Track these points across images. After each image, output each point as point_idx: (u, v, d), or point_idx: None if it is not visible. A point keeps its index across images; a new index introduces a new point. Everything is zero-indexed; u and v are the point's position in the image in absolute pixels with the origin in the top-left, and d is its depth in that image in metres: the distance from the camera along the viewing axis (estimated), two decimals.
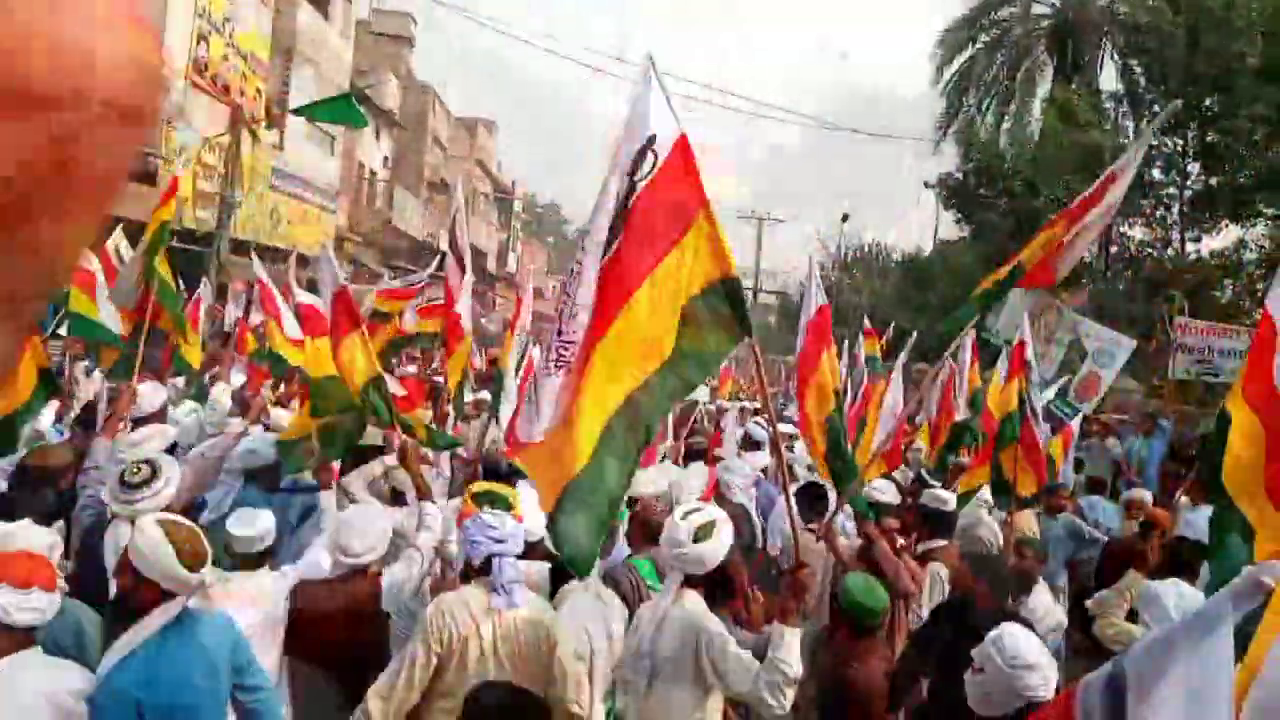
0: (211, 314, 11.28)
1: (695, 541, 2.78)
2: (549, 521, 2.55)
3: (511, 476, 4.09)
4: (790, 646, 2.59)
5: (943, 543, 4.30)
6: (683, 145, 2.48)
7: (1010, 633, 2.23)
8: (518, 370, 4.07)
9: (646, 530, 3.58)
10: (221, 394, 6.16)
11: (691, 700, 2.74)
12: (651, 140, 2.49)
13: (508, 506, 3.40)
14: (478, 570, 2.76)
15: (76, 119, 0.25)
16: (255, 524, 3.20)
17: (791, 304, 41.33)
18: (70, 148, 0.26)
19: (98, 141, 0.26)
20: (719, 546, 2.82)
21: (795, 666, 2.59)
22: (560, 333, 2.61)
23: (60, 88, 0.24)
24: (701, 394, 10.15)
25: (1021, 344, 4.98)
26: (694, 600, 2.82)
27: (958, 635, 3.20)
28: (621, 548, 3.70)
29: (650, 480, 4.17)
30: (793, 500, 2.93)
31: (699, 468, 5.72)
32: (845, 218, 28.65)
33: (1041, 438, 4.50)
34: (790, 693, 2.57)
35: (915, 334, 7.69)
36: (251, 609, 2.92)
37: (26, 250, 0.26)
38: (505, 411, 4.08)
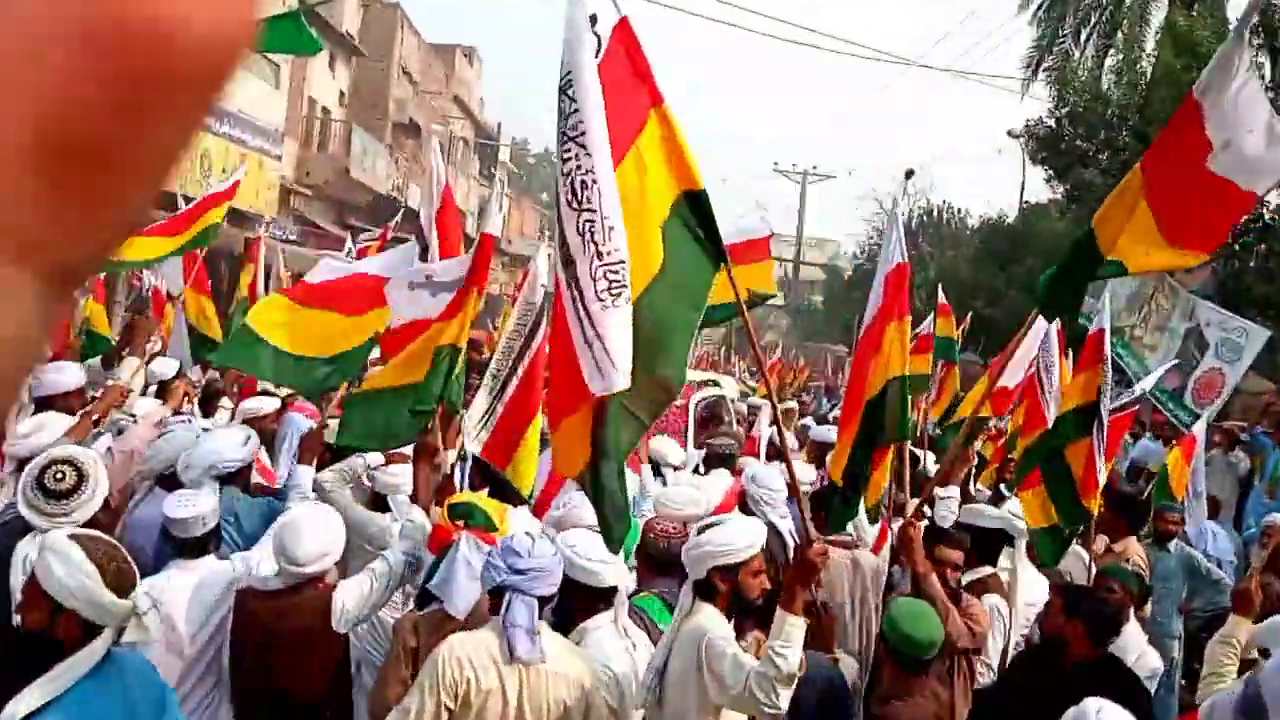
0: (128, 279, 11.37)
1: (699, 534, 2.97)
2: (591, 474, 2.76)
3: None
4: (790, 636, 2.67)
5: (991, 570, 4.28)
6: (623, 30, 2.51)
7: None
8: (519, 357, 4.09)
9: (658, 559, 3.58)
10: (128, 370, 6.19)
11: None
12: (593, 20, 2.51)
13: (487, 525, 3.40)
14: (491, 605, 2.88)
15: (169, 66, 0.28)
16: (195, 504, 3.36)
17: (840, 281, 41.36)
18: (156, 96, 0.28)
19: (179, 100, 0.29)
20: (726, 540, 2.98)
21: (792, 659, 2.66)
22: (600, 256, 2.54)
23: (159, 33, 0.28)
24: (729, 388, 10.14)
25: (1100, 333, 4.80)
26: (706, 614, 2.96)
27: (1042, 684, 3.18)
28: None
29: (689, 500, 4.14)
30: (805, 506, 3.16)
31: (720, 476, 5.70)
32: (910, 174, 28.43)
33: (1098, 453, 4.42)
34: (785, 692, 2.65)
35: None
36: (194, 603, 3.09)
37: (100, 204, 0.29)
38: (477, 406, 4.09)
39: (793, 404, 12.24)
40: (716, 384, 9.97)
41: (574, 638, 3.05)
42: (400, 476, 4.21)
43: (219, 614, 3.30)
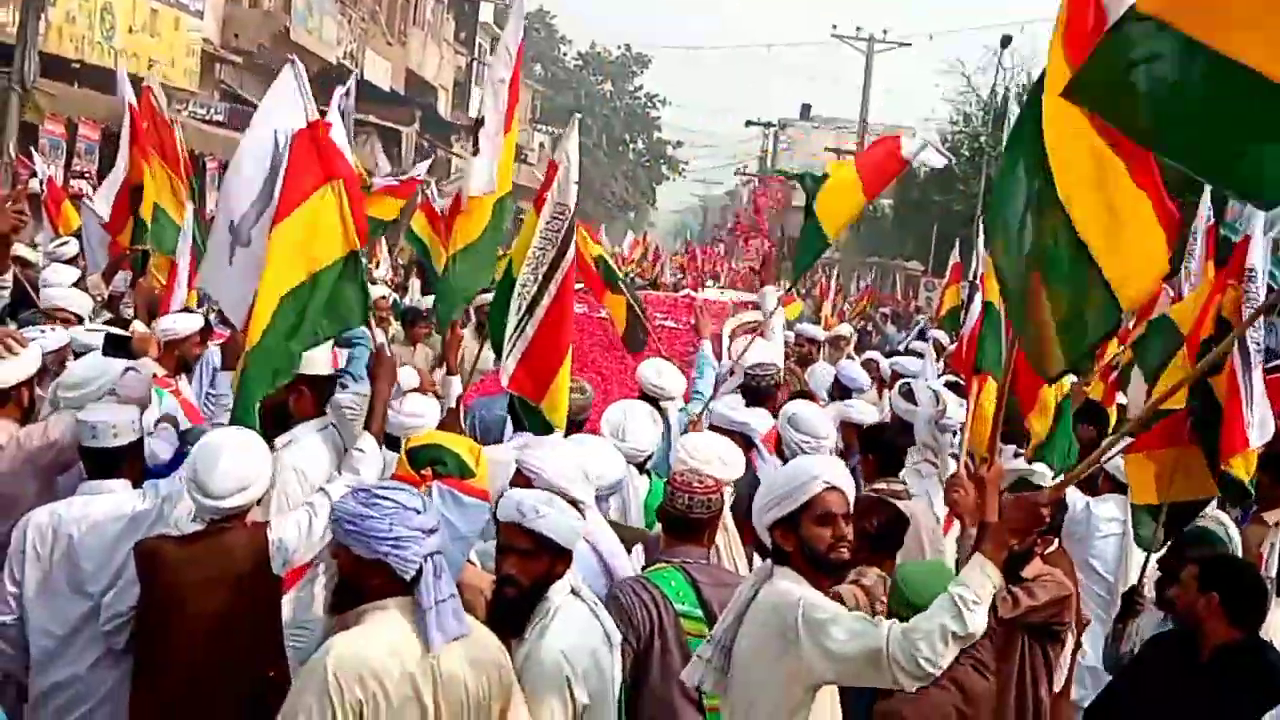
0: (12, 169, 11.37)
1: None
2: None
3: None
4: (983, 590, 2.68)
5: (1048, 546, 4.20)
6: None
7: None
8: (551, 271, 4.13)
9: (679, 519, 3.60)
10: None
11: (784, 706, 2.87)
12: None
13: (461, 471, 3.43)
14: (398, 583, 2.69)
15: None
16: (113, 411, 3.53)
17: (914, 179, 40.86)
18: None
19: None
20: (767, 487, 3.05)
21: (979, 618, 2.65)
22: None
23: None
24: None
25: (1247, 239, 4.57)
26: (787, 578, 2.96)
27: (1169, 677, 3.19)
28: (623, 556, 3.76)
29: (714, 456, 4.10)
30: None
31: (760, 416, 5.71)
32: (1007, 41, 27.77)
33: (1246, 393, 4.23)
34: (950, 653, 2.66)
35: None
36: (92, 535, 3.25)
37: None
38: (510, 336, 4.28)
39: (845, 329, 12.15)
40: (756, 306, 9.95)
41: (538, 617, 2.98)
42: (425, 416, 4.15)
43: (120, 552, 3.40)
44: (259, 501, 3.45)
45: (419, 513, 2.71)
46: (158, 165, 7.13)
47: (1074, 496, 5.03)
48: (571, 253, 4.23)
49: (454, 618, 2.68)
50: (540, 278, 4.23)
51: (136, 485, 3.67)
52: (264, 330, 3.66)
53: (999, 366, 4.32)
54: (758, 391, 6.21)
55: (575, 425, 4.72)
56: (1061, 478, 4.13)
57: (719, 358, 7.69)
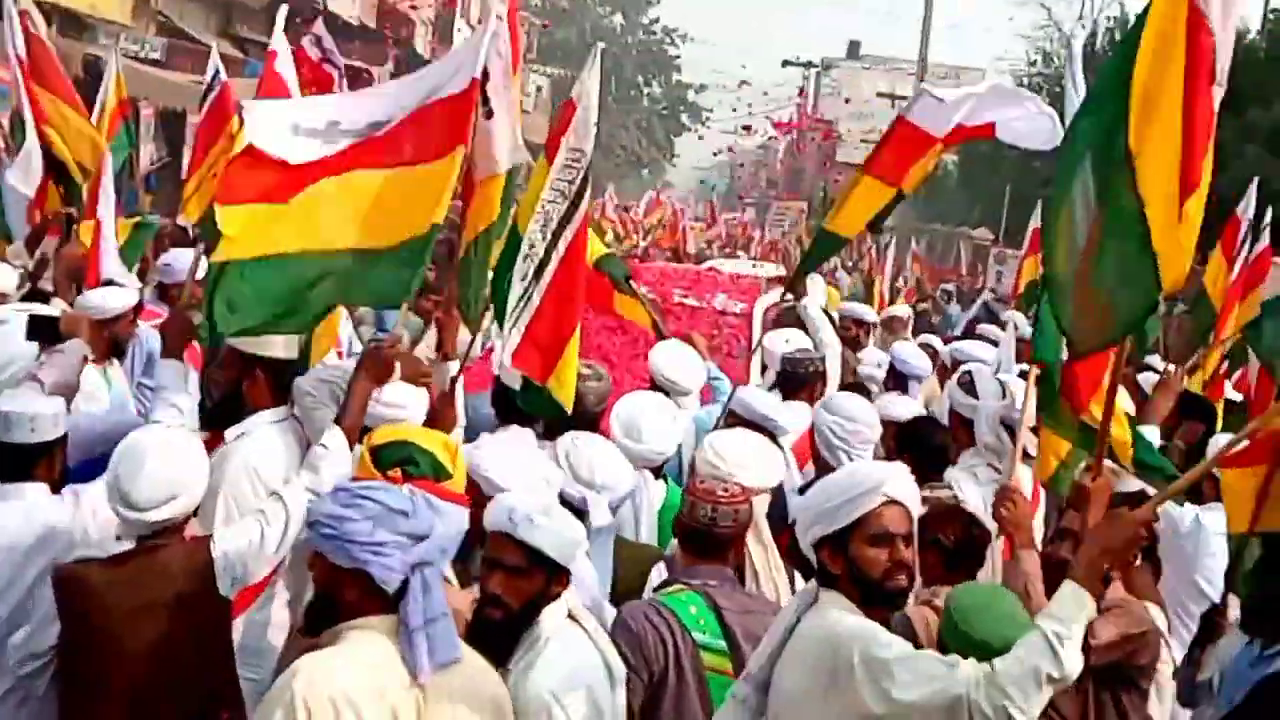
0: None
1: None
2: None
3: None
4: (1074, 621, 2.70)
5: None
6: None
7: None
8: (560, 229, 4.25)
9: (698, 534, 3.60)
10: None
11: None
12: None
13: (436, 472, 3.42)
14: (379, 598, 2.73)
15: None
16: (33, 401, 3.60)
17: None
18: None
19: None
20: (813, 495, 3.09)
21: (1073, 657, 2.66)
22: None
23: None
24: (814, 290, 10.10)
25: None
26: (836, 606, 2.94)
27: None
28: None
29: (751, 457, 4.10)
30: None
31: (799, 411, 5.72)
32: None
33: None
34: (1043, 695, 2.65)
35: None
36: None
37: None
38: (514, 304, 4.32)
39: (902, 309, 12.13)
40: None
41: (524, 648, 3.00)
42: (408, 407, 4.18)
43: (32, 570, 3.41)
44: (195, 513, 3.44)
45: (407, 516, 2.71)
46: (58, 108, 7.14)
47: (1178, 508, 5.00)
48: (584, 207, 4.26)
49: (446, 641, 2.68)
50: (549, 236, 4.22)
51: (55, 491, 3.65)
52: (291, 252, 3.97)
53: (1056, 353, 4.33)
54: (796, 380, 6.20)
55: (591, 419, 4.70)
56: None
57: (749, 345, 7.68)
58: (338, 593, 2.71)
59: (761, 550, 3.85)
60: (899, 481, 3.00)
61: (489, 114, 4.47)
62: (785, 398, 6.03)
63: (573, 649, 2.99)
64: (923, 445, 5.07)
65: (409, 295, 4.12)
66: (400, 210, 4.01)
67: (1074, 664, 2.66)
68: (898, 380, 7.68)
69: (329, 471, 3.65)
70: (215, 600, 3.33)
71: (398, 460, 3.45)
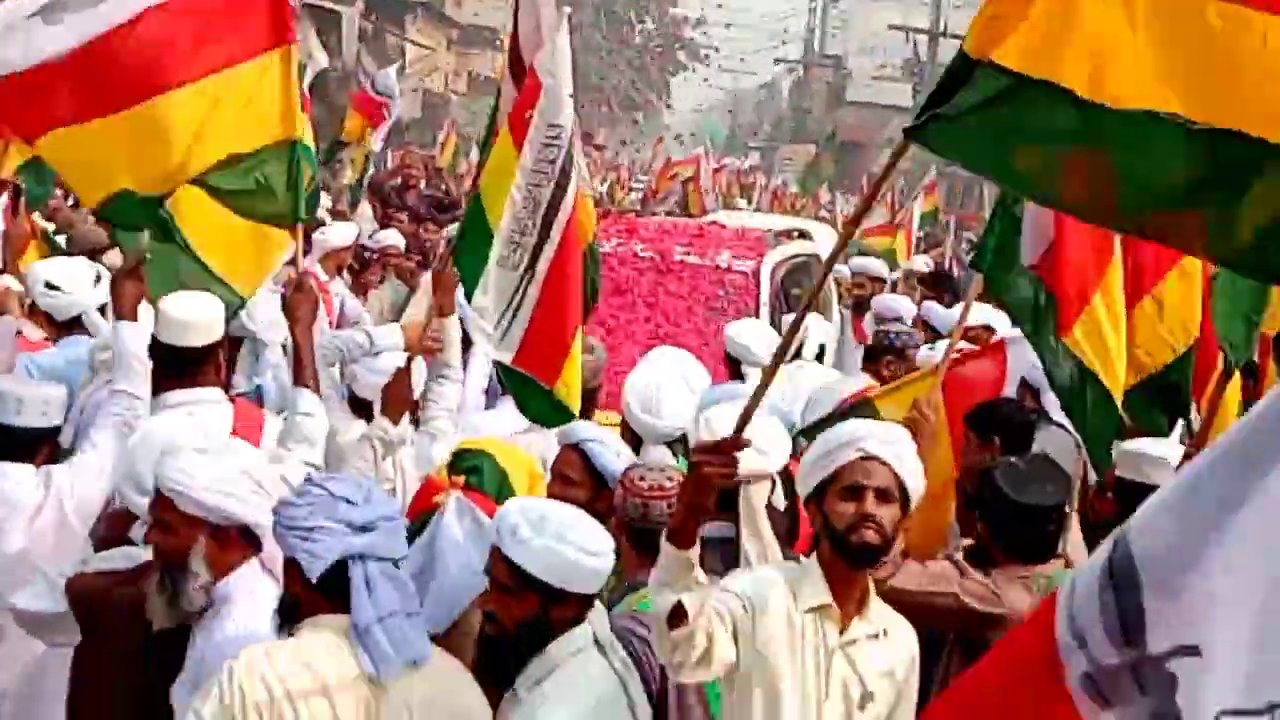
0: None
1: None
2: None
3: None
4: (663, 569, 2.76)
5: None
6: None
7: None
8: (550, 215, 4.24)
9: (642, 531, 3.50)
10: None
11: None
12: None
13: (498, 491, 3.46)
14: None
15: None
16: (39, 386, 3.89)
17: None
18: None
19: None
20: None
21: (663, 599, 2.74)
22: None
23: None
24: (825, 241, 10.00)
25: None
26: (787, 571, 3.10)
27: None
28: None
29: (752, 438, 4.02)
30: None
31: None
32: None
33: None
34: (665, 641, 2.76)
35: None
36: None
37: None
38: (493, 288, 4.29)
39: (919, 262, 12.04)
40: (805, 235, 9.88)
41: (534, 672, 2.94)
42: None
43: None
44: None
45: (350, 504, 2.74)
46: None
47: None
48: (574, 187, 4.17)
49: (403, 640, 2.69)
50: (539, 222, 4.14)
51: None
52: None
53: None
54: (889, 353, 6.38)
55: (586, 395, 4.65)
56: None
57: (758, 307, 7.61)
58: (290, 588, 2.81)
59: (758, 545, 3.67)
60: (881, 438, 3.10)
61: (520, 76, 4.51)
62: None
63: (588, 679, 2.90)
64: (1008, 426, 4.77)
65: (298, 215, 4.31)
66: (228, 125, 4.22)
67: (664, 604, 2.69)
68: (932, 337, 7.56)
69: (318, 434, 3.85)
70: None
71: (467, 468, 3.53)
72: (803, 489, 3.17)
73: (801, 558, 3.30)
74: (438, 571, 3.37)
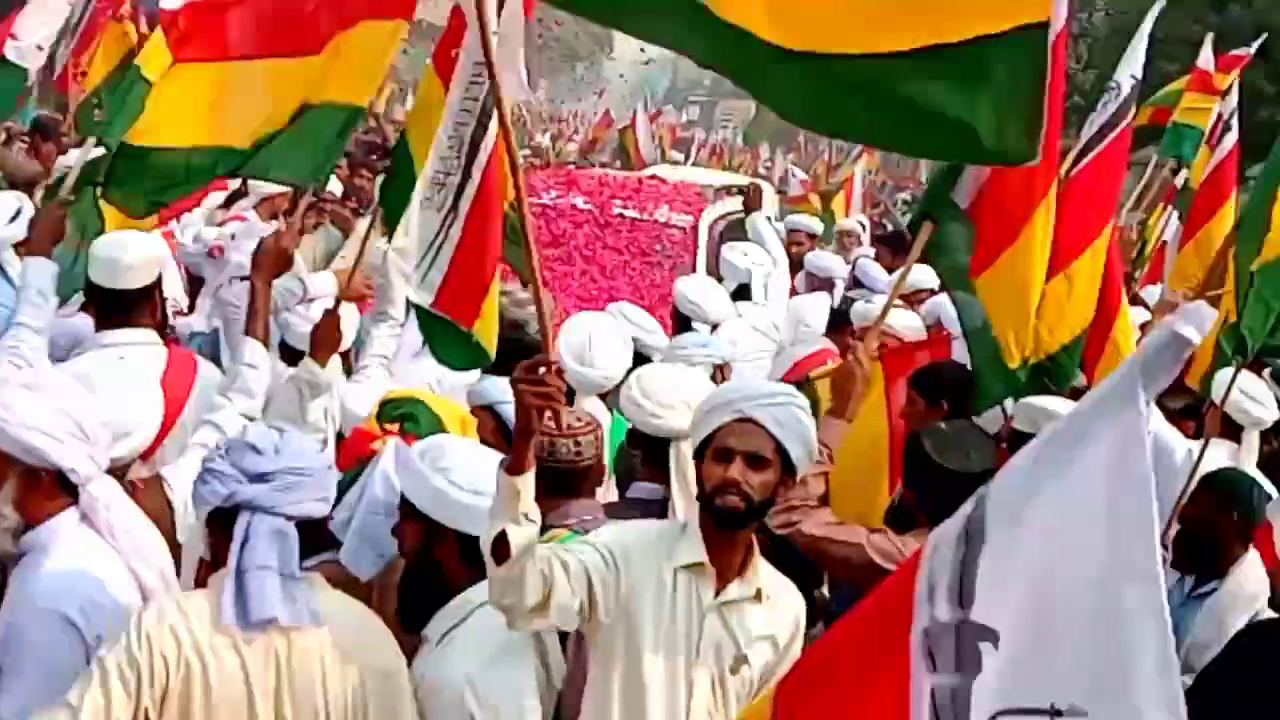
0: None
1: None
2: None
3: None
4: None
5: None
6: None
7: None
8: (473, 152, 4.19)
9: (554, 469, 3.49)
10: None
11: None
12: None
13: (434, 433, 3.44)
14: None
15: None
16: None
17: None
18: None
19: None
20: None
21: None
22: None
23: None
24: (765, 201, 10.05)
25: None
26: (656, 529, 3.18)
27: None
28: None
29: (681, 398, 3.87)
30: None
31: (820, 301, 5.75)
32: None
33: None
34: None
35: None
36: None
37: None
38: (415, 227, 4.23)
39: (852, 223, 12.08)
40: (743, 191, 9.84)
41: (445, 621, 2.95)
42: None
43: None
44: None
45: (256, 452, 2.73)
46: None
47: (1171, 439, 5.06)
48: (494, 127, 3.97)
49: (263, 596, 2.64)
50: (464, 161, 4.09)
51: None
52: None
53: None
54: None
55: (533, 348, 4.54)
56: None
57: (693, 261, 7.64)
58: (207, 535, 2.81)
59: (687, 502, 3.67)
60: (760, 401, 3.02)
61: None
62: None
63: (500, 625, 2.81)
64: (956, 388, 4.72)
65: (319, 174, 4.47)
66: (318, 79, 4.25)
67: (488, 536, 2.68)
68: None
69: (258, 387, 3.81)
70: (176, 550, 3.26)
71: (400, 415, 3.53)
72: (688, 449, 3.25)
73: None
74: (363, 513, 3.35)
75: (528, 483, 2.60)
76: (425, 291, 4.17)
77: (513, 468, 2.60)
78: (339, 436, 4.28)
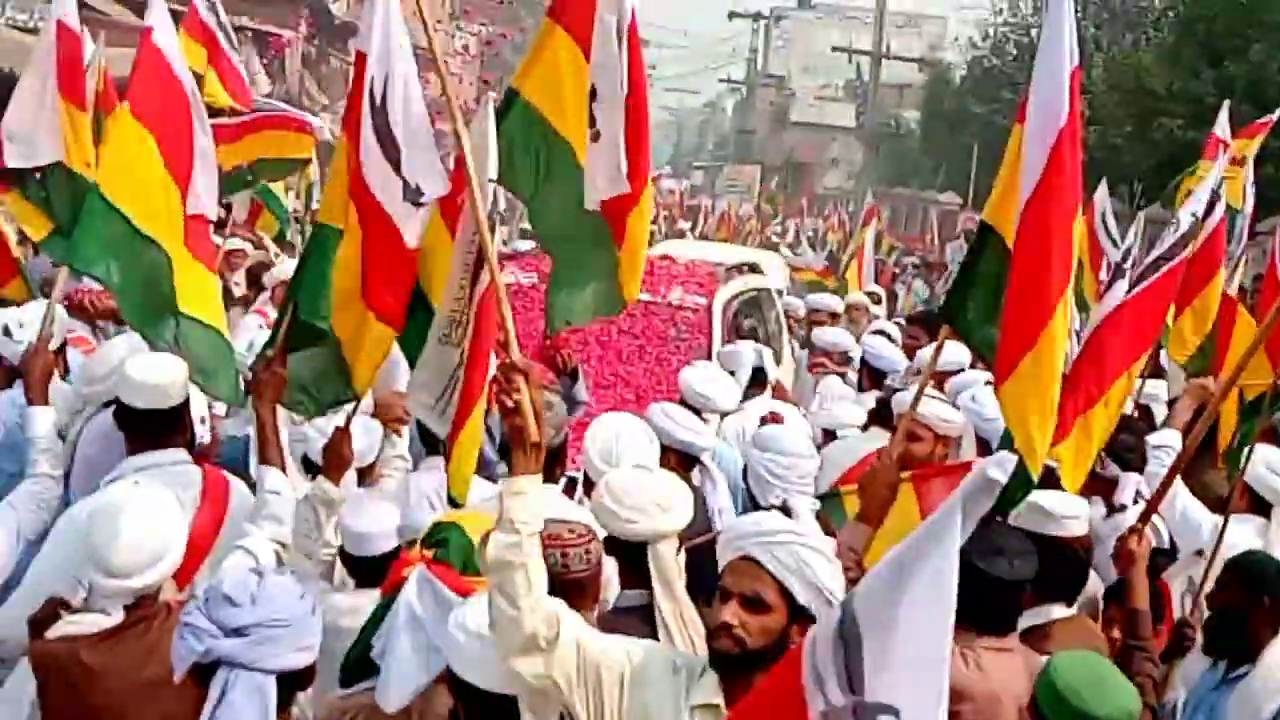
0: None
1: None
2: None
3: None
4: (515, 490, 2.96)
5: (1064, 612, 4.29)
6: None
7: None
8: (473, 284, 4.09)
9: (571, 585, 3.40)
10: None
11: None
12: None
13: (463, 563, 3.38)
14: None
15: None
16: None
17: (945, 87, 40.88)
18: None
19: None
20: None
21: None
22: None
23: None
24: (775, 274, 10.08)
25: None
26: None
27: None
28: None
29: (653, 500, 3.77)
30: None
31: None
32: None
33: None
34: None
35: None
36: None
37: None
38: (431, 363, 4.17)
39: (861, 297, 11.92)
40: (755, 269, 9.95)
41: None
42: (365, 437, 4.39)
43: None
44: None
45: (232, 604, 2.72)
46: None
47: (1198, 514, 5.05)
48: (485, 276, 3.81)
49: None
50: (468, 299, 3.99)
51: None
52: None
53: None
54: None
55: (552, 453, 4.37)
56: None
57: (710, 344, 7.65)
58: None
59: (672, 605, 3.60)
60: (765, 540, 2.91)
61: (595, 135, 4.42)
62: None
63: None
64: None
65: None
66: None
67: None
68: (871, 376, 7.59)
69: (285, 512, 3.82)
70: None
71: (435, 540, 3.45)
72: (668, 547, 3.45)
73: None
74: (391, 649, 3.28)
75: (520, 488, 2.88)
76: (443, 426, 4.12)
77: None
78: (341, 550, 4.28)
